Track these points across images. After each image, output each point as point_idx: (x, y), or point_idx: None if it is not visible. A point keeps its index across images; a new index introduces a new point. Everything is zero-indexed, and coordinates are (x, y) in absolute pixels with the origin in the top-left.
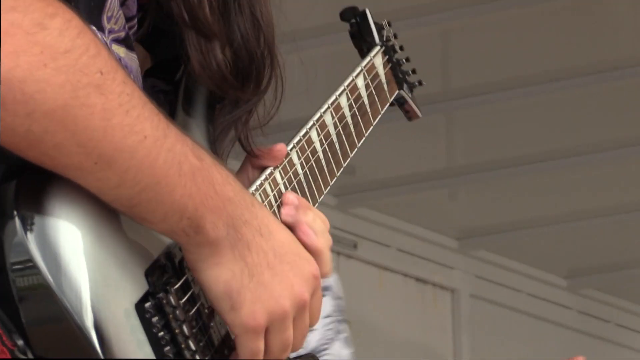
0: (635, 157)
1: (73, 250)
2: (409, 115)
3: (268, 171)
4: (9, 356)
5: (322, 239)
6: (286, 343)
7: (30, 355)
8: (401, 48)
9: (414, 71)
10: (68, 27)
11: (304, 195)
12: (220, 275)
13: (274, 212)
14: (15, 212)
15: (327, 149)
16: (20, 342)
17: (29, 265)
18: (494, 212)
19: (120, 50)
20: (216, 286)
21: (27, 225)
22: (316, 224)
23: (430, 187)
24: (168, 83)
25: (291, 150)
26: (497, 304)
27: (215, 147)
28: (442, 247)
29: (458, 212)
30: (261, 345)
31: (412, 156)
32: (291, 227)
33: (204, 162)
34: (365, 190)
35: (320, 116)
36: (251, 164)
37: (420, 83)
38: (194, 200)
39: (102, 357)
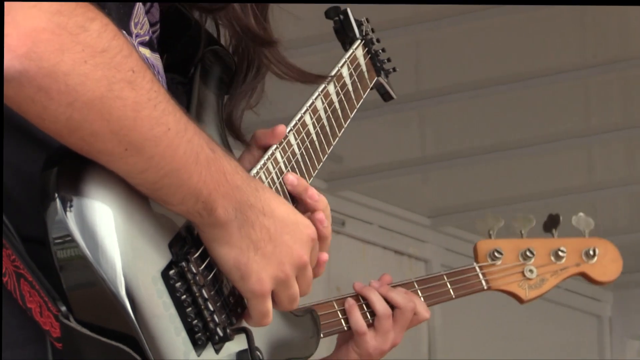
0: (567, 149)
1: (106, 227)
2: (385, 97)
3: (270, 151)
4: (54, 320)
5: (329, 229)
6: (293, 297)
7: (72, 319)
8: (378, 40)
9: (389, 60)
10: (105, 30)
11: (300, 170)
12: (230, 252)
13: (276, 188)
14: (56, 195)
15: (320, 130)
16: (63, 308)
17: (68, 239)
18: (460, 194)
19: (146, 52)
20: (227, 261)
21: (66, 205)
22: (327, 210)
23: (406, 172)
24: (184, 77)
25: (289, 132)
26: None
27: (231, 120)
28: (416, 224)
29: (430, 193)
30: (269, 306)
31: (390, 146)
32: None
33: (217, 154)
34: (351, 175)
35: (312, 102)
36: (256, 144)
37: (394, 69)
38: (208, 186)
39: (133, 317)
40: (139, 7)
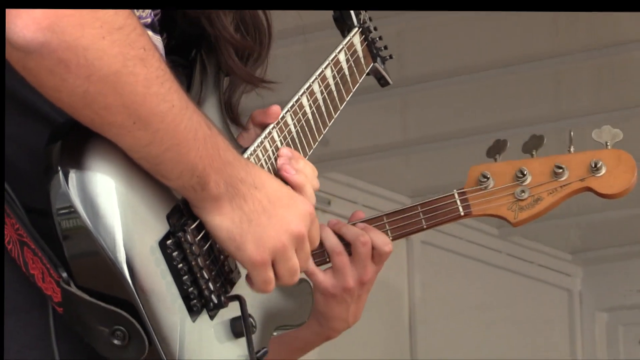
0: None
1: (107, 198)
2: (381, 82)
3: (267, 130)
4: (56, 286)
5: (302, 177)
6: (293, 269)
7: (72, 285)
8: (375, 29)
9: (385, 47)
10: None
11: (296, 148)
12: (222, 224)
13: (271, 164)
14: (59, 168)
15: (316, 112)
16: (64, 274)
17: (71, 210)
18: (439, 175)
19: (149, 33)
20: (220, 233)
21: (69, 178)
22: (306, 169)
23: (389, 155)
24: (185, 60)
25: (286, 113)
26: (442, 248)
27: (230, 103)
28: (398, 203)
29: (410, 175)
30: (270, 274)
31: (374, 131)
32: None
33: (212, 131)
34: (337, 158)
35: (310, 85)
36: (253, 122)
37: (390, 57)
38: (203, 161)
39: (131, 284)
40: None
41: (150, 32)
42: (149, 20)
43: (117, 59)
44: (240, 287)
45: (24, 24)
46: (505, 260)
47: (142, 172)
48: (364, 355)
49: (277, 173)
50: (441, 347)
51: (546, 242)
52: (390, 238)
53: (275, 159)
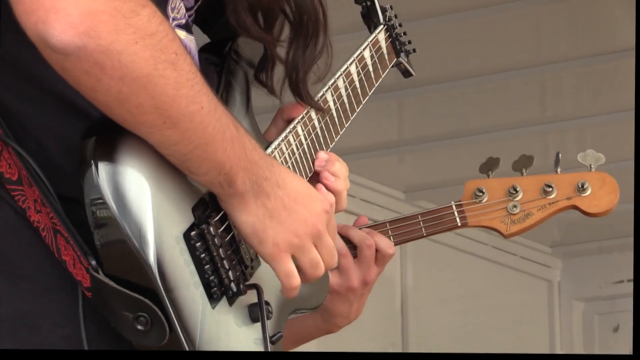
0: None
1: (136, 191)
2: (405, 74)
3: (292, 125)
4: (85, 273)
5: (342, 183)
6: (314, 262)
7: (100, 273)
8: (400, 25)
9: (409, 42)
10: (154, 16)
11: (319, 143)
12: (247, 220)
13: (295, 159)
14: (92, 161)
15: (339, 107)
16: (93, 262)
17: (101, 202)
18: (431, 172)
19: (182, 34)
20: (246, 227)
21: (101, 171)
22: (341, 172)
23: (386, 153)
24: (218, 58)
25: (310, 108)
26: (433, 241)
27: (298, 87)
28: (393, 197)
29: (405, 172)
30: (291, 266)
31: (373, 130)
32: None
33: (240, 132)
34: (339, 155)
35: (334, 81)
36: (282, 116)
37: (414, 50)
38: (230, 160)
39: (156, 273)
40: None
41: (184, 33)
42: (183, 21)
43: (149, 62)
44: (260, 276)
45: (62, 28)
46: (490, 252)
47: (169, 167)
48: (359, 339)
49: (300, 167)
50: (431, 332)
51: (528, 236)
52: (393, 243)
53: (299, 155)
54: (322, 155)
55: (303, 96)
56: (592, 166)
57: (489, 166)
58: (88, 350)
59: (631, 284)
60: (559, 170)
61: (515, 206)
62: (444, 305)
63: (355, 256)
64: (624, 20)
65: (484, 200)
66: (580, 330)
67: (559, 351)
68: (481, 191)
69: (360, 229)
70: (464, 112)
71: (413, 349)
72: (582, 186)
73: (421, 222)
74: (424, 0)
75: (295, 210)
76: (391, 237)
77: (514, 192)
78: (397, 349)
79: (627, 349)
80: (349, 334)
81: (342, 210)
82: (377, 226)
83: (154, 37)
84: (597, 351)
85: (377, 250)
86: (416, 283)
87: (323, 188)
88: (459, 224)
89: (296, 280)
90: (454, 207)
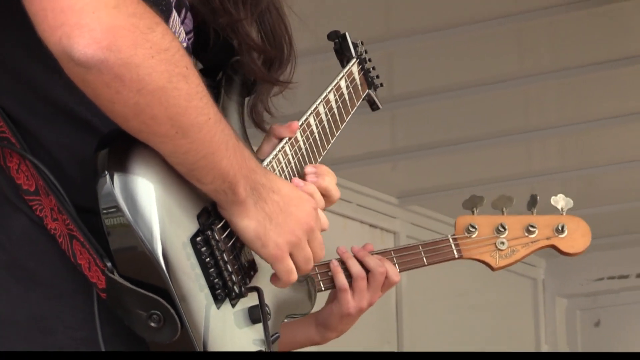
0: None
1: (147, 199)
2: (373, 107)
3: (280, 145)
4: (100, 275)
5: (311, 187)
6: (308, 257)
7: (116, 274)
8: (370, 60)
9: (377, 76)
10: (167, 32)
11: (304, 161)
12: (249, 225)
13: (285, 175)
14: (106, 172)
15: (321, 130)
16: (108, 264)
17: (115, 209)
18: (422, 179)
19: None
20: (247, 232)
21: (114, 181)
22: (331, 183)
23: (380, 161)
24: (213, 81)
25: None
26: None
27: (256, 111)
28: (387, 202)
29: (398, 179)
30: (291, 265)
31: (367, 140)
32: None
33: (239, 142)
34: (336, 163)
35: (316, 107)
36: (273, 134)
37: (381, 85)
38: (233, 168)
39: (167, 274)
40: (175, 19)
41: None
42: (184, 44)
43: (164, 75)
44: (259, 280)
45: (86, 43)
46: None
47: (177, 178)
48: (355, 336)
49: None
50: (424, 329)
51: None
52: (399, 271)
53: (288, 171)
54: (309, 169)
55: (255, 119)
56: (564, 209)
57: (472, 203)
58: (93, 352)
59: (610, 281)
60: (534, 211)
61: (502, 242)
62: (437, 303)
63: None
64: (600, 35)
65: (474, 236)
66: (564, 325)
67: (543, 345)
68: (473, 227)
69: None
70: (452, 122)
71: (407, 345)
72: (561, 228)
73: (422, 252)
74: (416, 18)
75: (290, 212)
76: (396, 265)
77: (502, 229)
78: (393, 345)
79: (607, 342)
80: (347, 332)
81: (325, 207)
82: (382, 253)
83: (168, 52)
84: (579, 344)
85: (385, 277)
86: (410, 284)
87: (300, 182)
88: (456, 256)
89: (295, 276)
90: (451, 240)
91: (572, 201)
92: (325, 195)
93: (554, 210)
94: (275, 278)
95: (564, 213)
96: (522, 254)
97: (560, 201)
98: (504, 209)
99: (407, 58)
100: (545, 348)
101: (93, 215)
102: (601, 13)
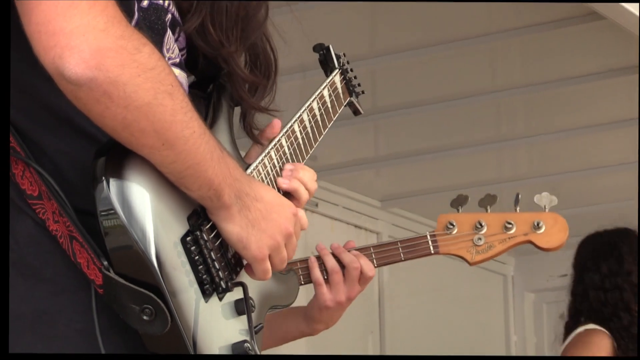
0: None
1: (140, 203)
2: (355, 112)
3: (267, 150)
4: (98, 272)
5: (295, 183)
6: (283, 259)
7: (112, 272)
8: (351, 70)
9: (359, 84)
10: (153, 52)
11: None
12: (233, 229)
13: (270, 179)
14: (103, 178)
15: (305, 136)
16: (105, 263)
17: (111, 212)
18: (403, 184)
19: (176, 71)
20: (231, 236)
21: (110, 185)
22: (305, 176)
23: (364, 168)
24: (204, 92)
25: (281, 137)
26: None
27: (246, 121)
28: (371, 205)
29: (381, 184)
30: (268, 266)
31: (352, 149)
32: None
33: (224, 153)
34: (324, 169)
35: (300, 115)
36: (261, 137)
37: (363, 92)
38: (218, 177)
39: (158, 272)
40: (169, 37)
41: (178, 70)
42: (177, 60)
43: (150, 92)
44: (244, 275)
45: (76, 62)
46: None
47: (168, 183)
48: (339, 327)
49: (274, 184)
50: (404, 320)
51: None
52: (375, 265)
53: (273, 175)
54: (287, 166)
55: (244, 129)
56: (547, 207)
57: (459, 202)
58: (95, 355)
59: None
60: (518, 209)
61: (480, 239)
62: (416, 297)
63: (344, 275)
64: (564, 54)
65: (453, 232)
66: (532, 318)
67: (512, 335)
68: (452, 224)
69: (349, 251)
70: (430, 132)
71: (389, 335)
72: (538, 224)
73: (400, 248)
74: (397, 38)
75: (271, 218)
76: (374, 260)
77: (480, 226)
78: (376, 335)
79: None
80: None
81: (304, 203)
82: (362, 250)
83: (154, 71)
84: (545, 335)
85: (361, 272)
86: (391, 277)
87: (286, 181)
88: (432, 252)
89: (270, 275)
90: (428, 237)
91: (556, 199)
92: (303, 186)
93: (538, 209)
94: (250, 271)
95: (547, 210)
96: (499, 249)
97: (544, 199)
98: (488, 207)
99: (389, 74)
100: (514, 338)
101: (91, 218)
102: (566, 33)
